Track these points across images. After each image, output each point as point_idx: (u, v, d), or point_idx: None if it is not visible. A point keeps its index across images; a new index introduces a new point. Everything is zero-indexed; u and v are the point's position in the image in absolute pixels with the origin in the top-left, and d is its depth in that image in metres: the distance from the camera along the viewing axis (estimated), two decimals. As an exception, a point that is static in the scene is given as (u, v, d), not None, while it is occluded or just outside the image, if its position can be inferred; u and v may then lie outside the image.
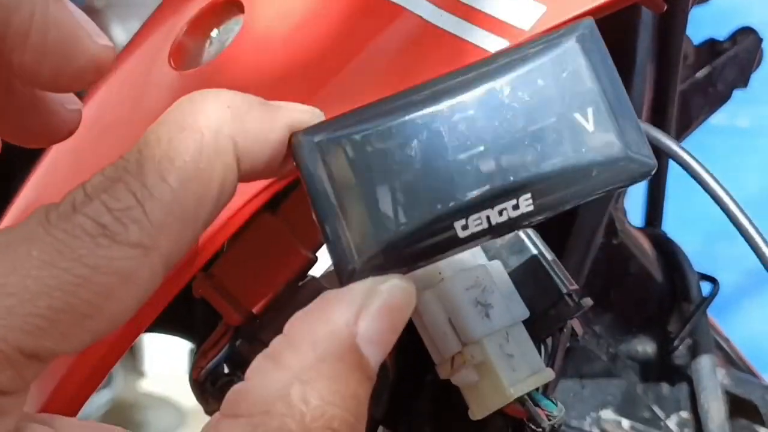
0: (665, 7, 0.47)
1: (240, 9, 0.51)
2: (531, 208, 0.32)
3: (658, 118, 0.61)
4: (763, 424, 0.67)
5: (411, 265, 0.32)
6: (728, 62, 0.68)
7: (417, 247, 0.32)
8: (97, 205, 0.30)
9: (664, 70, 0.60)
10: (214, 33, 0.53)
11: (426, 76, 0.44)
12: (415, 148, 0.32)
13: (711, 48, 0.68)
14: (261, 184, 0.44)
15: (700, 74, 0.67)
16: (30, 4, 0.33)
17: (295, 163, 0.33)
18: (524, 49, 0.33)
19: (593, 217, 0.60)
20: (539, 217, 0.32)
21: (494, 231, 0.32)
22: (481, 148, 0.32)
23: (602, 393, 0.68)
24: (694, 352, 0.68)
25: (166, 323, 0.52)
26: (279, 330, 0.47)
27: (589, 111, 0.32)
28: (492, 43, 0.44)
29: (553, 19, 0.44)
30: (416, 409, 0.53)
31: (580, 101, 0.32)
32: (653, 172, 0.32)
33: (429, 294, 0.44)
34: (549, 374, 0.42)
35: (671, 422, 0.67)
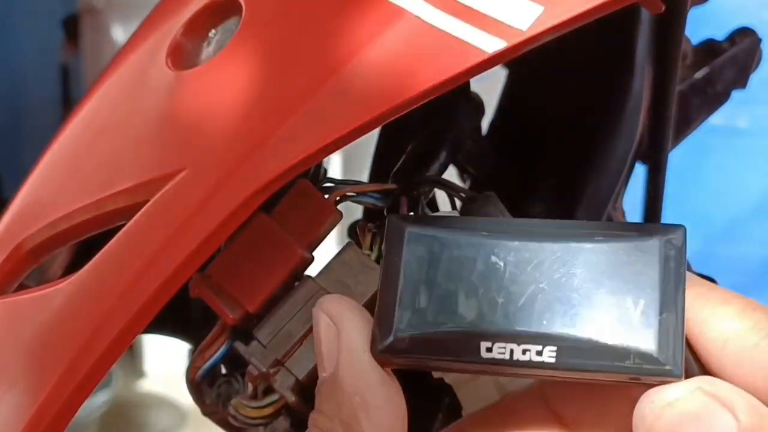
0: (663, 8, 0.47)
1: (238, 9, 0.51)
2: (552, 360, 0.34)
3: (656, 119, 0.61)
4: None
5: (430, 362, 0.36)
6: (727, 63, 0.68)
7: (445, 347, 0.35)
8: None
9: (662, 71, 0.60)
10: (212, 33, 0.53)
11: (425, 75, 0.44)
12: (479, 267, 0.35)
13: (710, 48, 0.68)
14: (257, 185, 0.44)
15: (698, 75, 0.67)
16: None
17: (384, 240, 0.38)
18: (614, 225, 0.36)
19: (591, 218, 0.60)
20: (555, 374, 0.34)
21: (512, 366, 0.35)
22: (533, 288, 0.35)
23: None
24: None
25: (163, 324, 0.52)
26: (275, 330, 0.47)
27: (641, 302, 0.34)
28: (489, 43, 0.44)
29: (550, 19, 0.44)
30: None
31: (639, 290, 0.34)
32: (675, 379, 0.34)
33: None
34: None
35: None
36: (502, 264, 0.35)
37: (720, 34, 0.69)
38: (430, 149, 0.54)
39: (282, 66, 0.48)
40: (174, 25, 0.53)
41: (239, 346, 0.48)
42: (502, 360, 0.34)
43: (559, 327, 0.34)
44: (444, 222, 0.37)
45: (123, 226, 0.48)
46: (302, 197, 0.48)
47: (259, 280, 0.47)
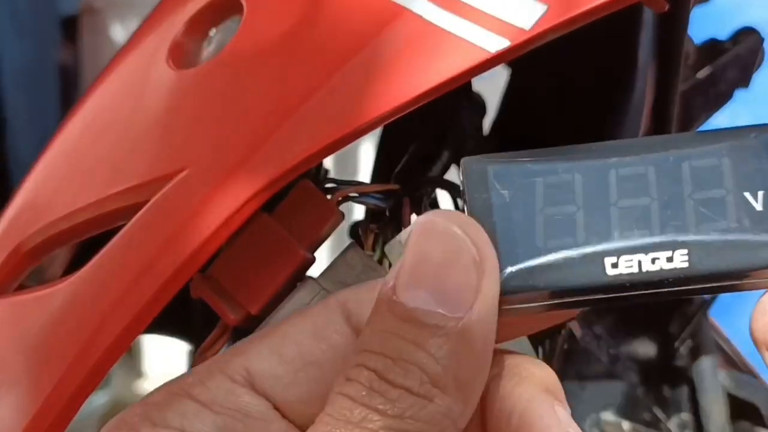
0: (667, 7, 0.47)
1: (239, 8, 0.51)
2: (686, 264, 0.32)
3: (659, 119, 0.61)
4: (764, 425, 0.66)
5: (552, 297, 0.32)
6: (730, 62, 0.67)
7: (566, 273, 0.31)
8: None
9: (665, 70, 0.60)
10: (213, 32, 0.53)
11: (427, 75, 0.44)
12: (580, 187, 0.33)
13: (712, 48, 0.68)
14: (258, 185, 0.44)
15: (701, 74, 0.67)
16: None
17: (462, 184, 0.33)
18: (703, 133, 0.34)
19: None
20: (689, 285, 0.32)
21: (642, 281, 0.32)
22: (647, 200, 0.32)
23: (603, 394, 0.68)
24: (695, 353, 0.68)
25: (163, 324, 0.52)
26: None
27: (760, 194, 0.33)
28: (492, 42, 0.44)
29: (554, 18, 0.44)
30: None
31: (753, 183, 0.33)
32: None
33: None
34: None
35: (672, 424, 0.67)
36: (604, 182, 0.32)
37: (723, 33, 0.69)
38: (432, 150, 0.54)
39: (283, 65, 0.48)
40: (175, 24, 0.53)
41: (240, 346, 0.48)
42: (631, 275, 0.31)
43: (683, 233, 0.32)
44: (526, 155, 0.33)
45: (123, 226, 0.48)
46: (304, 198, 0.48)
47: (261, 280, 0.47)
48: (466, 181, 0.32)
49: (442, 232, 0.29)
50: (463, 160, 0.33)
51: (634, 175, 0.33)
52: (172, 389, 0.31)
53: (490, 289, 0.29)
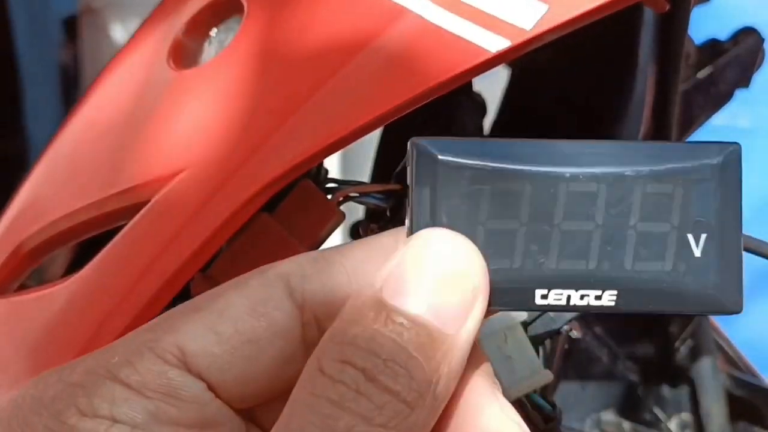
0: (667, 7, 0.47)
1: (239, 8, 0.51)
2: (612, 304, 0.32)
3: (659, 118, 0.61)
4: (764, 426, 0.66)
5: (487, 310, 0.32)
6: (730, 62, 0.67)
7: (496, 294, 0.31)
8: None
9: (665, 70, 0.60)
10: (214, 32, 0.53)
11: (428, 74, 0.44)
12: (527, 199, 0.32)
13: (713, 48, 0.68)
14: (258, 185, 0.44)
15: (701, 74, 0.67)
16: None
17: (408, 166, 0.32)
18: (667, 148, 0.33)
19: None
20: (614, 315, 0.33)
21: (567, 309, 0.32)
22: (590, 227, 0.32)
23: (603, 394, 0.68)
24: (695, 353, 0.68)
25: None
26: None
27: (703, 237, 0.32)
28: (493, 42, 0.44)
29: (555, 18, 0.44)
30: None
31: (699, 224, 0.32)
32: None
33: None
34: (547, 376, 0.42)
35: (672, 424, 0.67)
36: (553, 197, 0.32)
37: (723, 33, 0.69)
38: (433, 149, 0.54)
39: (283, 65, 0.48)
40: (175, 25, 0.53)
41: (241, 346, 0.48)
42: (558, 306, 0.32)
43: (618, 269, 0.32)
44: (480, 147, 0.32)
45: (124, 226, 0.48)
46: (305, 198, 0.48)
47: (262, 280, 0.47)
48: (415, 166, 0.32)
49: (449, 252, 0.30)
50: (412, 140, 0.32)
51: (585, 193, 0.32)
52: (96, 369, 0.29)
53: (480, 315, 0.30)
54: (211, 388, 0.29)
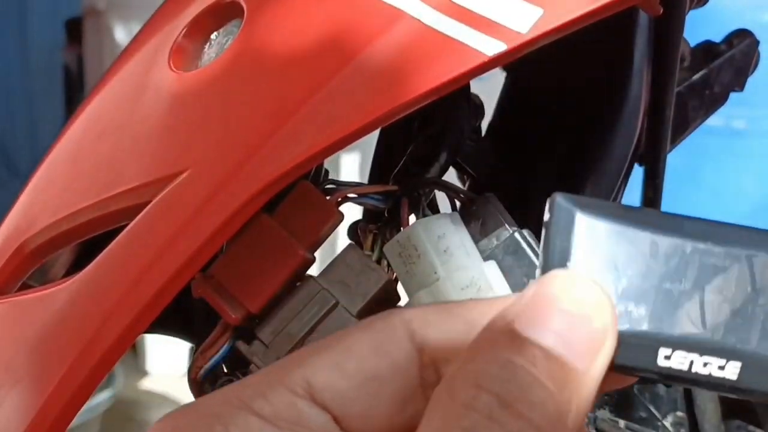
0: (661, 11, 0.47)
1: (239, 11, 0.52)
2: (734, 378, 0.32)
3: (655, 121, 0.61)
4: (758, 424, 0.67)
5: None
6: (725, 65, 0.68)
7: (619, 348, 0.31)
8: None
9: (661, 73, 0.60)
10: (214, 35, 0.53)
11: (425, 77, 0.44)
12: (661, 267, 0.32)
13: (708, 50, 0.68)
14: (258, 185, 0.45)
15: (696, 77, 0.67)
16: None
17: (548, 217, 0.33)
18: None
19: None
20: (735, 393, 0.32)
21: (689, 379, 0.32)
22: (720, 299, 0.32)
23: (598, 393, 0.68)
24: (691, 352, 0.68)
25: (165, 323, 0.52)
26: (277, 329, 0.48)
27: None
28: (489, 46, 0.44)
29: (550, 22, 0.44)
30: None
31: None
32: None
33: (424, 293, 0.44)
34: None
35: (667, 422, 0.68)
36: (684, 266, 0.32)
37: (718, 36, 0.70)
38: (430, 151, 0.54)
39: (282, 68, 0.48)
40: (176, 27, 0.54)
41: (241, 345, 0.49)
42: (680, 371, 0.32)
43: (743, 344, 0.32)
44: (614, 210, 0.33)
45: (125, 226, 0.49)
46: (304, 198, 0.48)
47: (261, 280, 0.47)
48: (553, 221, 0.32)
49: (581, 292, 0.30)
50: (553, 195, 0.32)
51: (713, 267, 0.33)
52: (230, 400, 0.30)
53: (608, 356, 0.30)
54: (335, 420, 0.31)
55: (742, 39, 0.68)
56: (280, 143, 0.45)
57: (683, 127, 0.68)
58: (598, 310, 0.30)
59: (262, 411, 0.30)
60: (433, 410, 0.29)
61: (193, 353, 0.52)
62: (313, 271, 0.49)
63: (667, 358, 0.32)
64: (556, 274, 0.31)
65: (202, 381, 0.51)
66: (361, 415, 0.31)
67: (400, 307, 0.33)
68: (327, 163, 0.54)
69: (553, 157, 0.62)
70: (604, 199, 0.34)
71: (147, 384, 2.16)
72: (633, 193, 0.69)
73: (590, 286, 0.31)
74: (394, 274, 0.49)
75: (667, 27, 0.59)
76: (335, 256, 0.49)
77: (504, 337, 0.29)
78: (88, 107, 0.56)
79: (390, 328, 0.32)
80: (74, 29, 2.45)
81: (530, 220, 0.55)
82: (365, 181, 0.57)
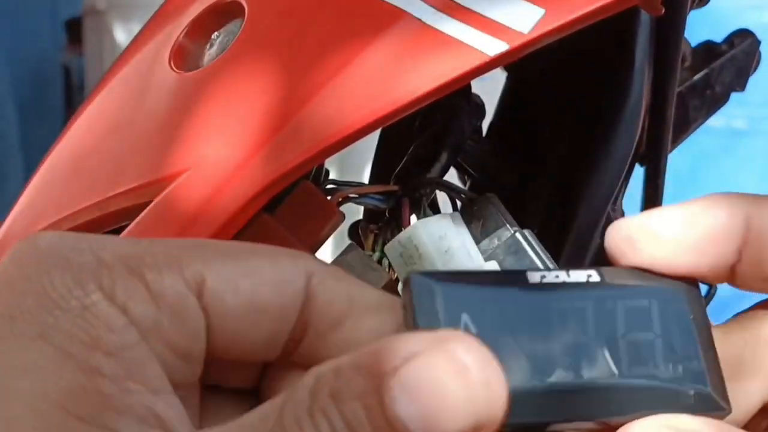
0: (663, 10, 0.47)
1: (240, 11, 0.52)
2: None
3: (656, 121, 0.61)
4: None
5: None
6: (726, 65, 0.68)
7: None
8: None
9: (662, 73, 0.60)
10: (215, 35, 0.53)
11: (426, 77, 0.44)
12: (524, 320, 0.33)
13: (709, 50, 0.68)
14: (259, 186, 0.45)
15: (697, 77, 0.67)
16: None
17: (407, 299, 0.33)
18: (631, 277, 0.35)
19: (591, 219, 0.60)
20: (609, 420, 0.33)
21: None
22: (583, 338, 0.33)
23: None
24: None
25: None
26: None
27: (683, 346, 0.34)
28: (491, 46, 0.44)
29: (552, 22, 0.44)
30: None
31: (677, 336, 0.34)
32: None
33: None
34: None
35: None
36: (545, 315, 0.33)
37: (719, 36, 0.70)
38: (431, 151, 0.54)
39: (283, 68, 0.49)
40: (177, 27, 0.54)
41: (242, 345, 0.49)
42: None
43: (609, 377, 0.33)
44: (466, 277, 0.34)
45: (126, 226, 0.49)
46: (305, 198, 0.48)
47: (262, 280, 0.47)
48: (415, 299, 0.32)
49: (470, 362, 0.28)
50: (410, 276, 0.32)
51: (574, 310, 0.33)
52: (128, 260, 0.30)
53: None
54: (208, 329, 0.31)
55: (743, 39, 0.69)
56: (281, 143, 0.45)
57: (684, 127, 0.68)
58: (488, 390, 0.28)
59: (152, 285, 0.30)
60: (285, 403, 0.27)
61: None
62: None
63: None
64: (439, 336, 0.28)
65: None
66: (230, 337, 0.31)
67: (303, 254, 0.33)
68: (328, 163, 0.54)
69: (554, 157, 0.62)
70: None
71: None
72: (633, 193, 0.69)
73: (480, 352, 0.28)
74: (395, 275, 0.49)
75: (669, 27, 0.59)
76: (336, 256, 0.49)
77: (365, 382, 0.27)
78: (88, 107, 0.56)
79: (294, 271, 0.32)
80: (74, 29, 2.46)
81: (531, 221, 0.55)
82: (366, 181, 0.57)
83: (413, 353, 0.27)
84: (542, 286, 0.33)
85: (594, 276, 0.34)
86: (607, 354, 0.33)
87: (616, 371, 0.33)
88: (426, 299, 0.32)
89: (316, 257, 0.33)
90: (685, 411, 0.33)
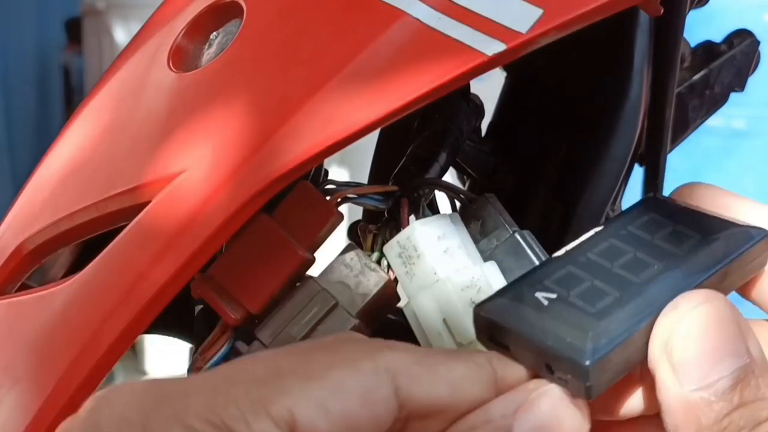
0: (662, 11, 0.47)
1: (239, 11, 0.52)
2: None
3: (655, 121, 0.61)
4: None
5: None
6: (725, 65, 0.68)
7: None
8: None
9: (661, 73, 0.60)
10: (213, 35, 0.53)
11: (425, 78, 0.44)
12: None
13: (708, 51, 0.68)
14: (258, 186, 0.45)
15: (697, 77, 0.67)
16: None
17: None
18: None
19: (591, 219, 0.61)
20: None
21: None
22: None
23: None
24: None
25: (165, 324, 0.52)
26: (276, 330, 0.48)
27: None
28: (489, 46, 0.44)
29: (550, 22, 0.44)
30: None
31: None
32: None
33: (424, 294, 0.44)
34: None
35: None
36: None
37: (718, 36, 0.70)
38: (430, 151, 0.54)
39: (282, 68, 0.49)
40: (176, 27, 0.54)
41: (241, 346, 0.49)
42: None
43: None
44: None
45: (125, 226, 0.49)
46: (303, 199, 0.48)
47: (261, 280, 0.47)
48: (492, 328, 0.37)
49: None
50: (475, 310, 0.37)
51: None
52: (209, 416, 0.30)
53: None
54: None
55: (743, 39, 0.68)
56: (280, 144, 0.45)
57: (684, 127, 0.68)
58: None
59: None
60: None
61: (193, 354, 0.52)
62: (313, 271, 0.49)
63: None
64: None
65: (201, 382, 0.51)
66: None
67: (381, 342, 0.34)
68: (327, 163, 0.54)
69: (554, 158, 0.62)
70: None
71: (146, 384, 2.16)
72: (632, 193, 0.69)
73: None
74: (394, 275, 0.49)
75: (668, 27, 0.59)
76: (335, 256, 0.49)
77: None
78: (87, 107, 0.56)
79: (378, 378, 0.32)
80: (74, 29, 2.46)
81: (530, 221, 0.55)
82: (365, 181, 0.57)
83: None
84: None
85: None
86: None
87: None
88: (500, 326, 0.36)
89: (392, 343, 0.34)
90: None
